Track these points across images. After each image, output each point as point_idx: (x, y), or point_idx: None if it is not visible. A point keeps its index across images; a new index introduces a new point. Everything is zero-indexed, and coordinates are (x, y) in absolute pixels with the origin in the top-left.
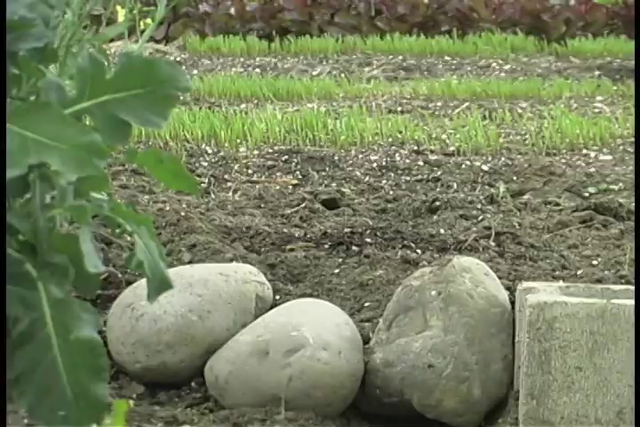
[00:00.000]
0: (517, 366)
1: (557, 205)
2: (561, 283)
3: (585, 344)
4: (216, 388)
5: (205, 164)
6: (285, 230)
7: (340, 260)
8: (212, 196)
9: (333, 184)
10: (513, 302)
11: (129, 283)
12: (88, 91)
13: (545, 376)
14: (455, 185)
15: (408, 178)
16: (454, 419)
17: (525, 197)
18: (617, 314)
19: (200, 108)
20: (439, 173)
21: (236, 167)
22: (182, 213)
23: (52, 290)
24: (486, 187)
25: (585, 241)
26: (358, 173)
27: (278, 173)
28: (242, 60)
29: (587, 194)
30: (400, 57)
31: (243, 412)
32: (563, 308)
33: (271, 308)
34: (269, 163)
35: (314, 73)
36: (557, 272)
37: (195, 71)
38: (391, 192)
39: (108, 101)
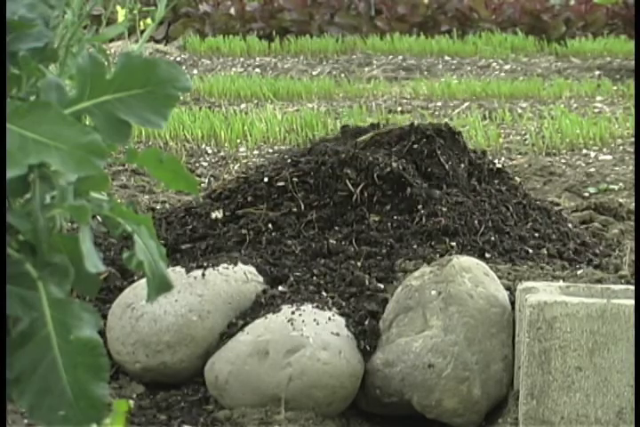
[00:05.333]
0: (517, 366)
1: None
2: (561, 283)
3: (585, 344)
4: (216, 388)
5: (205, 164)
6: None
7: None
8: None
9: None
10: (513, 302)
11: (129, 283)
12: (88, 91)
13: (545, 376)
14: None
15: None
16: (454, 419)
17: None
18: (617, 314)
19: (200, 108)
20: None
21: (236, 167)
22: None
23: (52, 290)
24: None
25: (585, 241)
26: None
27: None
28: (242, 60)
29: (587, 194)
30: (400, 57)
31: (243, 412)
32: (563, 308)
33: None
34: None
35: (314, 73)
36: (557, 272)
37: (195, 71)
38: None
39: (108, 101)
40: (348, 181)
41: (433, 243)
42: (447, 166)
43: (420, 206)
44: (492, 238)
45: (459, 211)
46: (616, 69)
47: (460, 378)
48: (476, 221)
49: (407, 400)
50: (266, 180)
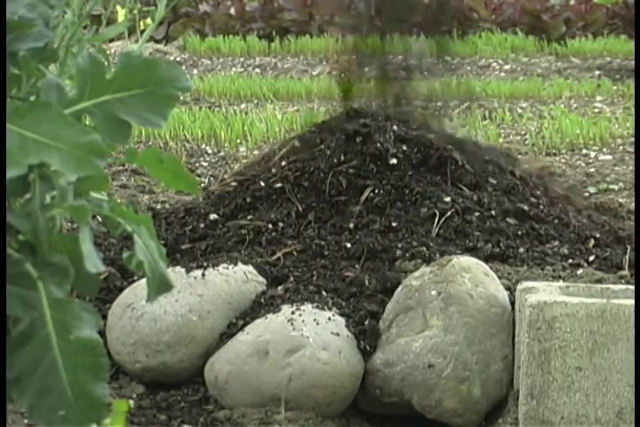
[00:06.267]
0: (517, 366)
1: None
2: (561, 283)
3: (585, 344)
4: (216, 388)
5: (205, 164)
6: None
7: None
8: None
9: None
10: (513, 302)
11: (129, 283)
12: (88, 91)
13: (545, 376)
14: None
15: None
16: (454, 419)
17: None
18: (617, 314)
19: (200, 108)
20: None
21: (235, 167)
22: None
23: (52, 290)
24: None
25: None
26: None
27: None
28: (242, 60)
29: (587, 194)
30: (400, 57)
31: (243, 412)
32: (563, 308)
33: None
34: None
35: (314, 73)
36: (557, 272)
37: (195, 71)
38: None
39: (108, 101)
40: (343, 182)
41: (433, 243)
42: (450, 165)
43: (420, 206)
44: (493, 238)
45: (458, 210)
46: (616, 69)
47: (460, 378)
48: (476, 221)
49: (407, 400)
50: (262, 183)
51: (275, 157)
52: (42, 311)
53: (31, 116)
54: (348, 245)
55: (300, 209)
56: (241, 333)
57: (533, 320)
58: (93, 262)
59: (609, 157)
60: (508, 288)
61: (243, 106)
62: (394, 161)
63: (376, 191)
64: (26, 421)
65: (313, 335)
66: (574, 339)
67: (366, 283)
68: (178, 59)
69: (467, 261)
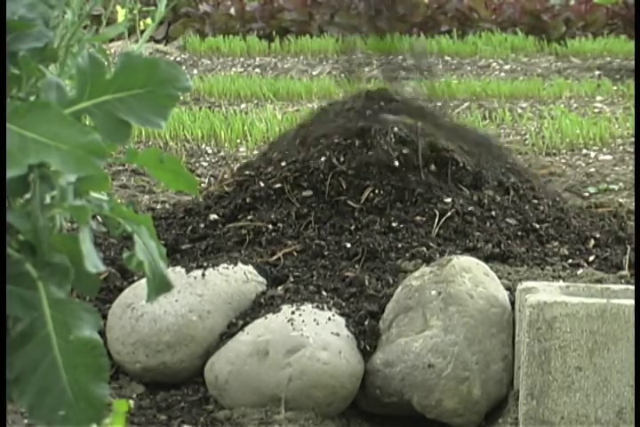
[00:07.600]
0: (517, 366)
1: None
2: (561, 283)
3: (585, 344)
4: (216, 388)
5: (205, 164)
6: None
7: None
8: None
9: None
10: (513, 302)
11: (129, 283)
12: (88, 91)
13: (545, 376)
14: None
15: None
16: (454, 419)
17: None
18: (617, 314)
19: (200, 108)
20: None
21: (235, 167)
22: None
23: (52, 290)
24: None
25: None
26: None
27: None
28: (242, 60)
29: (587, 194)
30: (400, 57)
31: (243, 412)
32: (563, 308)
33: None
34: None
35: (314, 73)
36: (557, 272)
37: (195, 71)
38: None
39: (108, 101)
40: (343, 182)
41: (433, 243)
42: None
43: (420, 206)
44: (493, 238)
45: (458, 211)
46: (616, 69)
47: (460, 378)
48: (476, 221)
49: (407, 400)
50: (262, 183)
51: (273, 154)
52: (42, 311)
53: (31, 116)
54: (348, 245)
55: (300, 209)
56: (241, 333)
57: (533, 320)
58: (93, 262)
59: (609, 157)
60: (508, 288)
61: (243, 106)
62: (394, 162)
63: (376, 192)
64: (26, 421)
65: (313, 335)
66: (574, 339)
67: (366, 283)
68: (178, 59)
69: (467, 261)
